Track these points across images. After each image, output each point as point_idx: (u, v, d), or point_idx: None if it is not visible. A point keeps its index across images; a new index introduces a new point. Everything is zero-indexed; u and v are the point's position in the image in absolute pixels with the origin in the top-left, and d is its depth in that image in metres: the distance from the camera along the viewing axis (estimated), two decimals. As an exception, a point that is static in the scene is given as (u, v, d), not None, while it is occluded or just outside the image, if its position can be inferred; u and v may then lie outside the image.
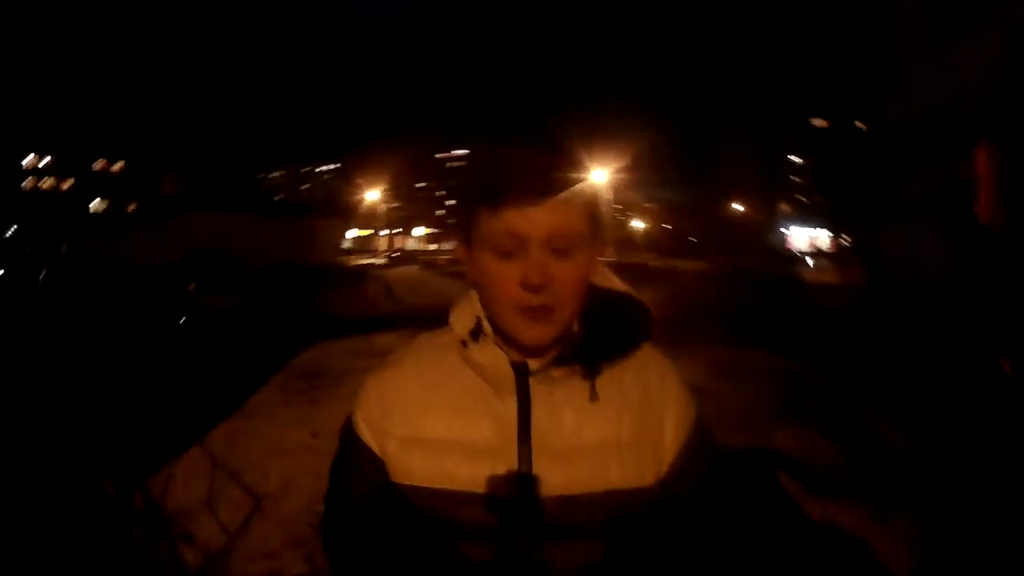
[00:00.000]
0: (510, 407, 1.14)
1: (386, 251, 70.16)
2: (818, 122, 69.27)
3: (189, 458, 5.15)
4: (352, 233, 79.46)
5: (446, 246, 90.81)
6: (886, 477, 4.93)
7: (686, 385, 1.23)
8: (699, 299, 18.92)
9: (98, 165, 50.08)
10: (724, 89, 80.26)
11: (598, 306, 1.19)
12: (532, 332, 1.10)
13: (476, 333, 1.16)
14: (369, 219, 79.10)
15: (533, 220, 1.06)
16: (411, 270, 40.48)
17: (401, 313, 15.95)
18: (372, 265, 45.42)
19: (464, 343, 1.16)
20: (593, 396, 1.14)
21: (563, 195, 1.06)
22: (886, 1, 14.51)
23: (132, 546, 3.74)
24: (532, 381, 1.14)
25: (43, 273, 11.12)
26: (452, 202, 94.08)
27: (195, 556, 3.65)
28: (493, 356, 1.15)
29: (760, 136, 71.02)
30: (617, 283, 1.22)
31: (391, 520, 1.19)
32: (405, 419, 1.16)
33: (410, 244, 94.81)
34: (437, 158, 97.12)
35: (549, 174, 1.06)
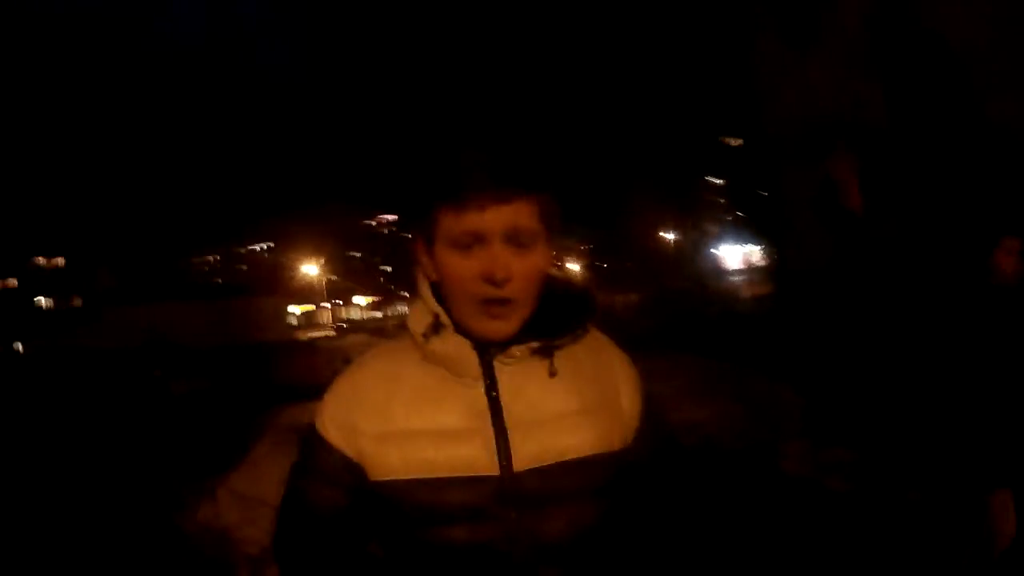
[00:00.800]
0: (477, 388, 1.18)
1: (333, 323, 70.25)
2: (731, 141, 72.24)
3: (215, 496, 6.10)
4: (295, 309, 79.38)
5: (390, 312, 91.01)
6: (782, 428, 6.31)
7: (631, 361, 1.34)
8: (636, 323, 20.42)
9: (39, 262, 50.03)
10: (636, 126, 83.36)
11: (546, 292, 1.23)
12: (493, 327, 1.15)
13: (436, 327, 1.18)
14: (309, 294, 79.05)
15: (495, 216, 1.08)
16: (361, 338, 41.00)
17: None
18: (324, 337, 45.88)
19: (425, 336, 1.18)
20: (552, 371, 1.19)
21: (522, 191, 1.10)
22: (743, 19, 16.12)
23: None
24: (495, 362, 1.18)
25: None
26: (387, 268, 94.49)
27: (253, 548, 4.64)
28: (455, 343, 1.18)
29: (677, 163, 73.53)
30: (556, 272, 1.30)
31: (358, 526, 1.23)
32: (376, 415, 1.19)
33: (354, 314, 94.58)
34: (370, 225, 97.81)
35: (509, 171, 1.10)
